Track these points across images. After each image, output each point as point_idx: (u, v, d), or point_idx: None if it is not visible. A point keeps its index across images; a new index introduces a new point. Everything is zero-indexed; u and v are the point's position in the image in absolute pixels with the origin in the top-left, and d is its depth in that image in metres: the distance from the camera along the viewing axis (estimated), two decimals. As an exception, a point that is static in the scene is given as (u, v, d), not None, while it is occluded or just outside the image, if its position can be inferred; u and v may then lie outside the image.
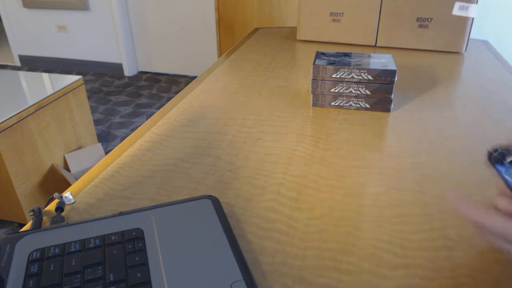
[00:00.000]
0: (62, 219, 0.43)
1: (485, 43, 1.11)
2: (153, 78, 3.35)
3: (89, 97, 2.97)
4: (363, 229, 0.42)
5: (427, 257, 0.39)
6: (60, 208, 0.44)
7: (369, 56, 0.73)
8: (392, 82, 0.66)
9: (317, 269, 0.37)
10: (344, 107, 0.70)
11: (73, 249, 0.36)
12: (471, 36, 1.04)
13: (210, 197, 0.44)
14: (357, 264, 0.38)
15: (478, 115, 0.69)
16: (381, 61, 0.70)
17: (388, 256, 0.39)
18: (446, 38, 1.00)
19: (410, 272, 0.37)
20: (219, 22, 2.20)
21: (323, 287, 0.35)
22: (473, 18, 0.97)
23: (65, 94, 1.67)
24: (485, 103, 0.74)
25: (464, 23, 0.97)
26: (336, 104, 0.70)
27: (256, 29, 1.24)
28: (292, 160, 0.55)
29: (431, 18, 0.99)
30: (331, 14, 1.05)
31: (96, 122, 2.58)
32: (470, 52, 1.02)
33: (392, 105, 0.69)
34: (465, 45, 1.00)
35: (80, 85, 1.77)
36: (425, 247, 0.40)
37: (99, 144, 1.84)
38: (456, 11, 0.96)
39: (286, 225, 0.43)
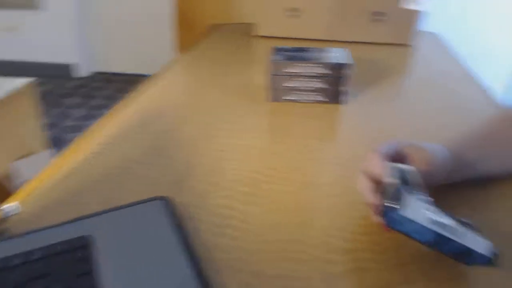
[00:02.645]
0: (6, 231, 0.40)
1: (434, 35, 1.16)
2: (108, 78, 3.24)
3: (39, 100, 2.83)
4: (316, 219, 0.43)
5: (374, 241, 0.40)
6: (2, 220, 0.41)
7: (325, 50, 0.73)
8: (346, 75, 0.67)
9: (272, 261, 0.37)
10: (301, 101, 0.71)
11: (16, 262, 0.33)
12: (422, 29, 1.08)
13: (161, 198, 0.42)
14: (310, 253, 0.38)
15: (425, 104, 0.72)
16: (337, 55, 0.71)
17: (339, 243, 0.40)
18: (398, 31, 1.03)
19: (359, 256, 0.39)
20: (177, 19, 2.16)
21: (279, 278, 0.36)
22: (423, 11, 1.00)
23: (13, 98, 1.58)
24: (432, 92, 0.77)
25: (414, 16, 1.01)
26: (293, 98, 0.70)
27: (214, 26, 1.23)
28: (248, 156, 0.54)
29: (384, 12, 1.01)
30: (288, 9, 1.05)
31: (47, 126, 2.46)
32: (420, 44, 1.06)
33: (346, 98, 0.70)
34: (415, 37, 1.04)
35: (30, 88, 1.68)
36: (373, 231, 0.41)
37: (49, 151, 1.76)
38: (406, 4, 0.99)
39: (240, 221, 0.42)
